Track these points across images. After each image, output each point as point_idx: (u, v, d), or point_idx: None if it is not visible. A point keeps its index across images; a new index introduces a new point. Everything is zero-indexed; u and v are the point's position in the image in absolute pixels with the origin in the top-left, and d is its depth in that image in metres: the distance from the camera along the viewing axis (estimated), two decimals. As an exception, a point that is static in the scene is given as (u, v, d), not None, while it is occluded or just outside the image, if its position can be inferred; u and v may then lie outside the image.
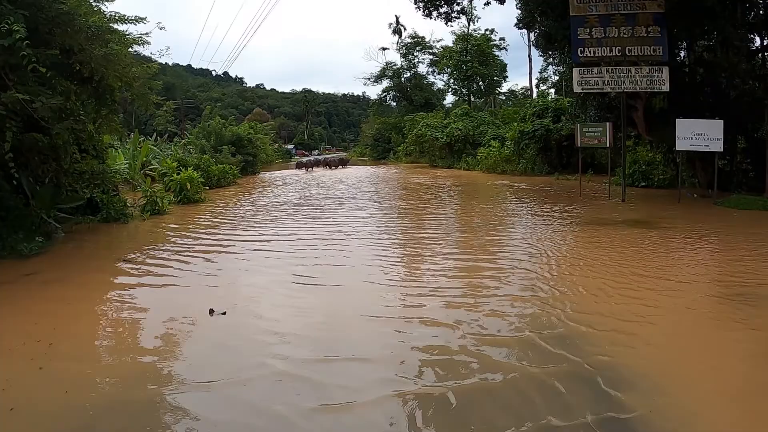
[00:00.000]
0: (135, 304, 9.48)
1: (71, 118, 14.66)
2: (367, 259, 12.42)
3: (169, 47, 26.26)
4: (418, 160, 58.11)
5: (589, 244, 13.98)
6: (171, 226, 18.76)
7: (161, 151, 40.92)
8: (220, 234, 16.68)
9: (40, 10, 12.33)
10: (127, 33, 15.56)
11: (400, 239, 15.28)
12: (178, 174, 25.67)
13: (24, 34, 11.16)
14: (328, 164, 60.99)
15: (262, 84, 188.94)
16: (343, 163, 63.02)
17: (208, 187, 29.84)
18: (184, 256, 13.36)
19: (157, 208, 21.06)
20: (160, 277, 11.27)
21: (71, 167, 16.34)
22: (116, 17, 15.06)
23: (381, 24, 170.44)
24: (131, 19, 15.40)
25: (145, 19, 15.68)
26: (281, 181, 41.81)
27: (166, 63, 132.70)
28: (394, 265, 11.91)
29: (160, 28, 16.76)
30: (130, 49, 16.21)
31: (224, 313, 8.42)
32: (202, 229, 17.83)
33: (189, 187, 25.05)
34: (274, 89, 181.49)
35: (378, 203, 24.32)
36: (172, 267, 12.19)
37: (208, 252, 13.81)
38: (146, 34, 16.07)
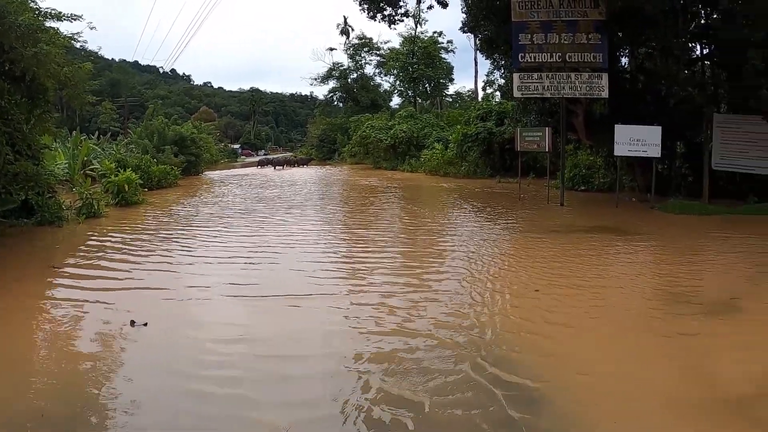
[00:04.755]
0: (58, 313, 9.28)
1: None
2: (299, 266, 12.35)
3: (101, 47, 25.74)
4: (363, 161, 57.97)
5: (521, 250, 14.21)
6: (105, 230, 18.14)
7: (103, 150, 39.96)
8: (149, 241, 16.26)
9: (-32, 8, 11.97)
10: (59, 31, 15.23)
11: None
12: (116, 175, 25.04)
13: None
14: (292, 163, 61.52)
15: (209, 82, 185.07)
16: (304, 162, 64.21)
17: (147, 189, 29.05)
18: (111, 263, 13.06)
19: (93, 210, 20.49)
20: (86, 284, 11.05)
21: (4, 168, 15.85)
22: (51, 13, 14.71)
23: (330, 24, 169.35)
24: (67, 16, 15.07)
25: (81, 16, 15.36)
26: (226, 182, 41.22)
27: (112, 59, 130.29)
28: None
29: (91, 28, 16.48)
30: (76, 46, 15.96)
31: (145, 324, 8.28)
32: (133, 234, 17.31)
33: (127, 189, 24.42)
34: (222, 87, 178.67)
35: (327, 209, 23.99)
36: (98, 275, 11.94)
37: (135, 260, 13.47)
38: (77, 33, 15.77)
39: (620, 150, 21.45)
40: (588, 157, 29.42)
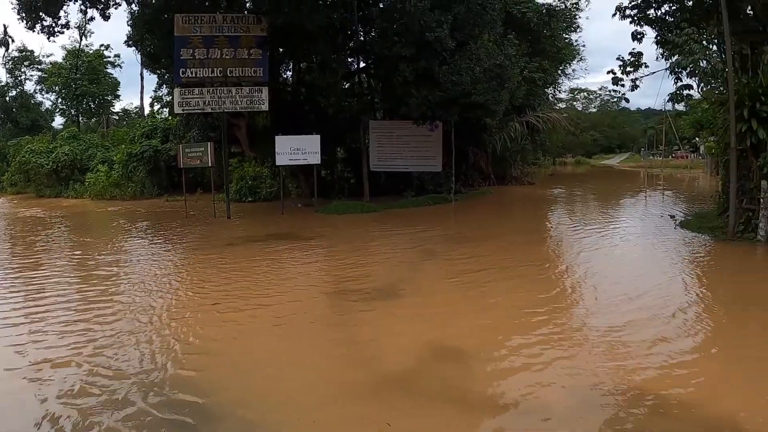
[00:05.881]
0: None
1: None
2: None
3: None
4: (25, 189, 52.66)
5: (194, 267, 14.00)
6: None
7: None
8: None
9: None
10: None
11: None
12: None
13: None
14: None
15: None
16: None
17: None
18: None
19: None
20: None
21: None
22: None
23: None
24: None
25: None
26: None
27: None
28: None
29: None
30: None
31: None
32: None
33: None
34: None
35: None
36: None
37: None
38: None
39: (282, 160, 22.69)
40: (255, 168, 30.39)
